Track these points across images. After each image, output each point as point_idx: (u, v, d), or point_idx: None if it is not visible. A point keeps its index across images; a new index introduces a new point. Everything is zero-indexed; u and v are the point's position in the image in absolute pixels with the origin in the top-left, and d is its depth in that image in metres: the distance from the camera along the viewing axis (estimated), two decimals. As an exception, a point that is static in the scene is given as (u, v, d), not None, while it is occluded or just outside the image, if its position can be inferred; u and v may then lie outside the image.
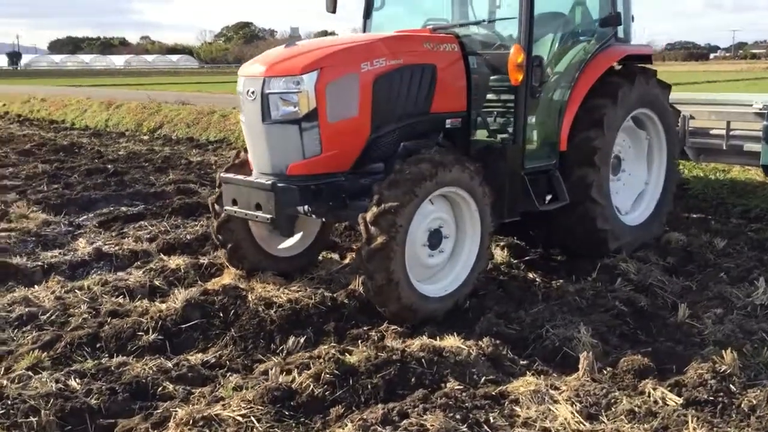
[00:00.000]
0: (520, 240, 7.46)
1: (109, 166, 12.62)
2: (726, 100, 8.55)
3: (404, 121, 5.86)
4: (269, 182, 5.36)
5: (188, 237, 7.73)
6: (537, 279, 6.44)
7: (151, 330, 5.18)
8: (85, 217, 8.93)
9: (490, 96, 6.48)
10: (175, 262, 6.72)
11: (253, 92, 5.42)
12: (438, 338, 4.94)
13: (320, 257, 6.99)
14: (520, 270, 6.69)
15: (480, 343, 4.83)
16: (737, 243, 7.46)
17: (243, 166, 6.02)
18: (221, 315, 5.40)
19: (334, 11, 7.25)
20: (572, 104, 6.53)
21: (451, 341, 4.83)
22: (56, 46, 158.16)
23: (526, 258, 7.00)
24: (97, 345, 5.04)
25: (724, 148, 8.13)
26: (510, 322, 5.34)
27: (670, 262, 6.91)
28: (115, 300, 5.91)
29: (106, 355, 4.94)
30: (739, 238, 7.63)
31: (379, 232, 5.07)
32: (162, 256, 7.01)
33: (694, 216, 8.63)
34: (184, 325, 5.27)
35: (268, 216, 5.35)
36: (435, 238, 5.54)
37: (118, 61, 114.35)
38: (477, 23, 6.85)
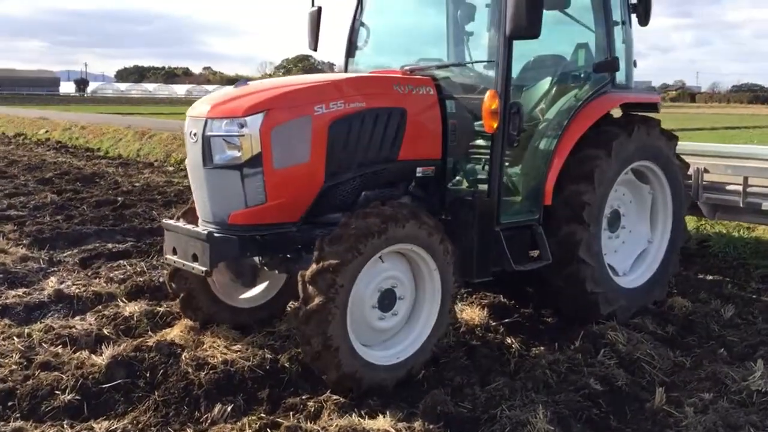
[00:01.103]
0: (508, 299, 6.89)
1: (120, 198, 12.41)
2: (743, 153, 7.85)
3: (366, 168, 5.40)
4: (205, 231, 4.93)
5: (161, 280, 7.34)
6: (514, 346, 5.83)
7: (69, 389, 4.76)
8: (68, 253, 8.64)
9: (471, 143, 5.97)
10: (131, 308, 6.33)
11: (195, 134, 5.03)
12: (369, 417, 4.40)
13: (289, 308, 6.51)
14: (498, 334, 6.09)
15: (414, 425, 4.28)
16: (750, 312, 6.75)
17: (195, 212, 5.61)
18: (148, 375, 4.97)
19: (315, 48, 6.86)
20: (559, 155, 5.98)
21: (380, 423, 4.29)
22: (123, 75, 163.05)
23: (507, 320, 6.39)
24: (9, 403, 4.64)
25: (741, 205, 7.43)
26: (462, 399, 4.78)
27: (669, 332, 6.27)
28: (54, 350, 5.51)
29: (18, 415, 4.53)
30: (754, 306, 6.90)
31: (316, 292, 4.59)
32: (119, 301, 6.62)
33: (709, 278, 7.90)
34: (106, 385, 4.84)
35: (203, 268, 4.92)
36: (388, 299, 5.03)
37: (179, 90, 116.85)
38: (455, 65, 6.33)
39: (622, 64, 6.57)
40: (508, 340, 5.95)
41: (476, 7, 7.15)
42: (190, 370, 4.95)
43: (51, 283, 7.25)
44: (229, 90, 5.34)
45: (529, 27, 5.17)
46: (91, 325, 6.01)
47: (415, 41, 7.25)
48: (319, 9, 6.79)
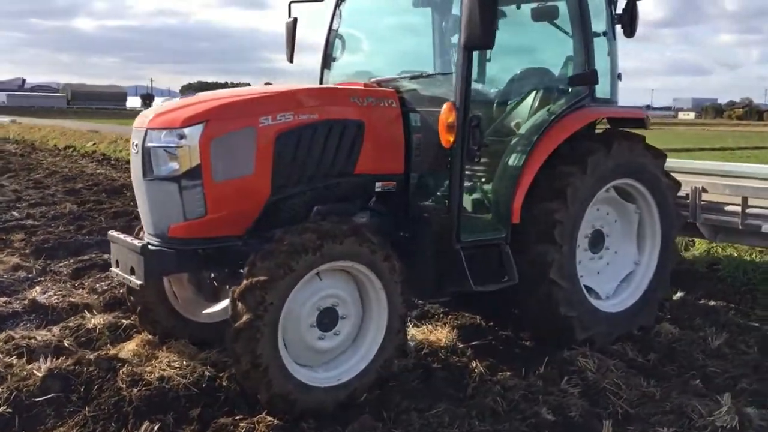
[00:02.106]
0: (486, 320, 6.64)
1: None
2: (743, 172, 7.40)
3: (319, 182, 5.25)
4: (140, 244, 4.83)
5: (141, 292, 7.27)
6: (477, 370, 5.55)
7: (3, 401, 4.69)
8: (64, 263, 8.66)
9: (437, 158, 5.75)
10: (96, 321, 6.28)
11: (136, 145, 4.95)
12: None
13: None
14: (464, 357, 5.81)
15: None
16: (745, 341, 6.34)
17: None
18: (83, 390, 4.86)
19: (291, 60, 6.75)
20: (528, 171, 5.72)
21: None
22: (187, 90, 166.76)
23: (476, 342, 6.12)
24: (-56, 415, 4.59)
25: (740, 227, 7.00)
26: (396, 425, 4.55)
27: (650, 360, 5.92)
28: (8, 360, 5.46)
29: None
30: (751, 335, 6.48)
31: (245, 309, 4.44)
32: (89, 313, 6.57)
33: (711, 303, 7.48)
34: (40, 398, 4.75)
35: (138, 282, 4.82)
36: (328, 318, 4.84)
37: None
38: (415, 77, 6.12)
39: (605, 78, 6.29)
40: (474, 364, 5.68)
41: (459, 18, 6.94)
42: (124, 386, 4.83)
43: (33, 293, 7.25)
44: (175, 101, 5.25)
45: (482, 37, 4.98)
46: (53, 336, 5.96)
47: (400, 53, 7.08)
48: (295, 20, 6.67)
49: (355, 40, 6.74)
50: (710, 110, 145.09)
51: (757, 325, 6.84)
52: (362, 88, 5.66)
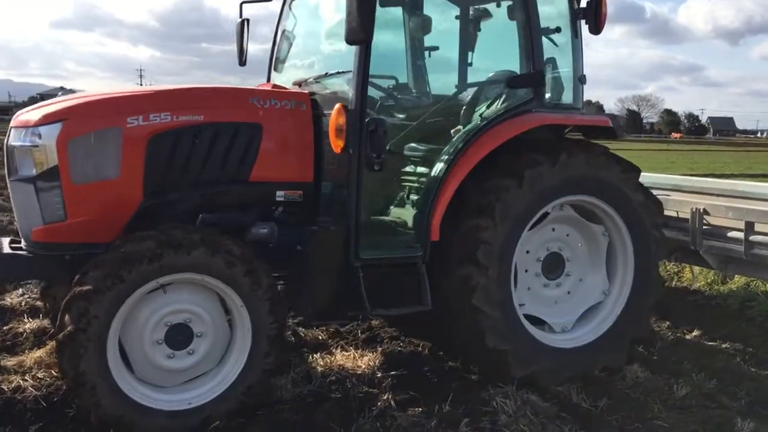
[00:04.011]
0: (430, 347, 5.98)
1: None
2: (749, 192, 6.25)
3: (203, 188, 4.87)
4: None
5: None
6: (380, 403, 4.94)
7: None
8: None
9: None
10: (28, 325, 6.18)
11: (4, 144, 4.77)
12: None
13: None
14: (375, 388, 5.19)
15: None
16: (732, 393, 5.33)
17: None
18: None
19: (241, 63, 6.41)
20: (450, 183, 5.07)
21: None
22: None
23: (395, 372, 5.46)
24: None
25: (744, 257, 5.92)
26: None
27: (598, 406, 5.07)
28: None
29: None
30: (741, 386, 5.43)
31: (69, 320, 4.12)
32: (27, 317, 6.49)
33: (724, 346, 6.41)
34: None
35: None
36: (181, 336, 4.43)
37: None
38: (321, 76, 5.59)
39: (567, 83, 5.55)
40: (384, 396, 5.07)
41: (431, 20, 6.39)
42: (-21, 395, 4.63)
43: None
44: (45, 101, 5.04)
45: (359, 31, 4.51)
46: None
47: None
48: (245, 21, 6.31)
49: (310, 41, 6.31)
50: None
51: (757, 373, 5.76)
52: (267, 89, 5.23)
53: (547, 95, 5.87)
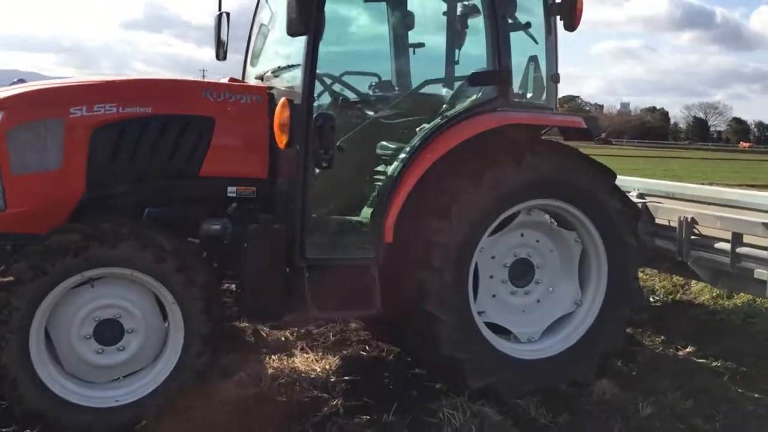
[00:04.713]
0: (397, 353, 5.79)
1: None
2: (738, 201, 5.84)
3: (151, 182, 4.78)
4: None
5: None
6: (326, 409, 4.77)
7: None
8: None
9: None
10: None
11: None
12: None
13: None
14: (325, 393, 5.01)
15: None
16: (707, 414, 5.00)
17: None
18: None
19: (218, 57, 6.30)
20: (405, 183, 4.87)
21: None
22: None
23: (348, 377, 5.28)
24: None
25: (731, 270, 5.55)
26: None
27: (557, 422, 4.81)
28: None
29: None
30: (719, 408, 5.09)
31: (-9, 312, 4.06)
32: None
33: (715, 364, 6.04)
34: None
35: None
36: (110, 331, 4.33)
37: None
38: (279, 70, 5.43)
39: (540, 82, 5.30)
40: (334, 402, 4.89)
41: (414, 15, 6.21)
42: None
43: None
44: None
45: (299, 23, 4.38)
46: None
47: (346, 51, 6.43)
48: (220, 15, 6.19)
49: (285, 34, 6.16)
50: None
51: (741, 395, 5.40)
52: (222, 82, 5.12)
53: (529, 95, 5.66)
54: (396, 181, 4.88)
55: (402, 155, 5.00)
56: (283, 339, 6.03)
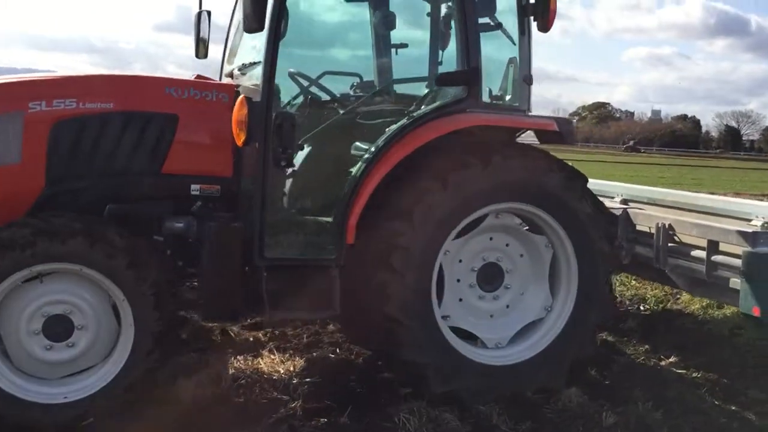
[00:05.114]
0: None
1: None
2: (715, 208, 5.67)
3: (113, 178, 4.75)
4: None
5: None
6: (284, 411, 4.71)
7: None
8: None
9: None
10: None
11: None
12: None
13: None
14: (286, 395, 4.94)
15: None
16: (679, 426, 4.87)
17: None
18: None
19: (197, 56, 6.27)
20: (368, 184, 4.80)
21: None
22: None
23: (310, 379, 5.21)
24: None
25: (706, 279, 5.40)
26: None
27: (518, 431, 4.70)
28: None
29: None
30: (688, 419, 4.96)
31: (-62, 305, 4.06)
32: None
33: (695, 375, 5.89)
34: None
35: None
36: (60, 327, 4.31)
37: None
38: (246, 66, 5.38)
39: (507, 83, 5.21)
40: (293, 405, 4.82)
41: (395, 16, 6.14)
42: None
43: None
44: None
45: (252, 19, 4.38)
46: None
47: (327, 51, 6.40)
48: (200, 13, 6.15)
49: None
50: None
51: (714, 407, 5.25)
52: (187, 79, 5.09)
53: (508, 97, 5.57)
54: (359, 182, 4.81)
55: (367, 156, 4.92)
56: (252, 339, 5.97)
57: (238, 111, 4.50)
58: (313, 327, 6.31)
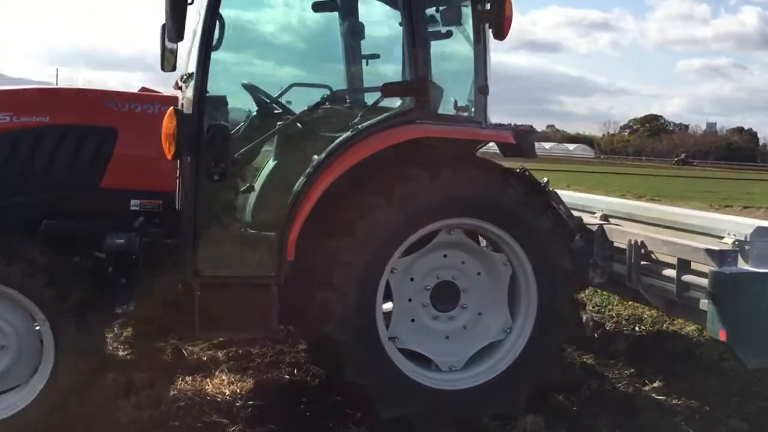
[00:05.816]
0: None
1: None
2: (687, 224, 5.29)
3: (47, 194, 4.64)
4: None
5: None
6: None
7: None
8: None
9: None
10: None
11: None
12: None
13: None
14: (226, 419, 4.75)
15: None
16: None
17: None
18: None
19: (164, 68, 6.13)
20: (308, 199, 4.60)
21: None
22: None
23: (254, 402, 5.00)
24: None
25: (676, 299, 5.06)
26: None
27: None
28: None
29: None
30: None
31: None
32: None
33: (674, 401, 5.55)
34: None
35: None
36: None
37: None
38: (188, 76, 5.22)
39: (461, 92, 4.97)
40: (233, 429, 4.64)
41: (364, 26, 5.96)
42: None
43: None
44: None
45: (171, 30, 4.36)
46: None
47: (295, 61, 6.24)
48: (165, 25, 6.02)
49: (238, 45, 5.98)
50: None
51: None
52: (129, 92, 4.96)
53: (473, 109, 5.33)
54: (299, 196, 4.61)
55: (309, 169, 4.72)
56: (206, 359, 5.78)
57: (167, 124, 4.36)
58: (279, 346, 6.10)
